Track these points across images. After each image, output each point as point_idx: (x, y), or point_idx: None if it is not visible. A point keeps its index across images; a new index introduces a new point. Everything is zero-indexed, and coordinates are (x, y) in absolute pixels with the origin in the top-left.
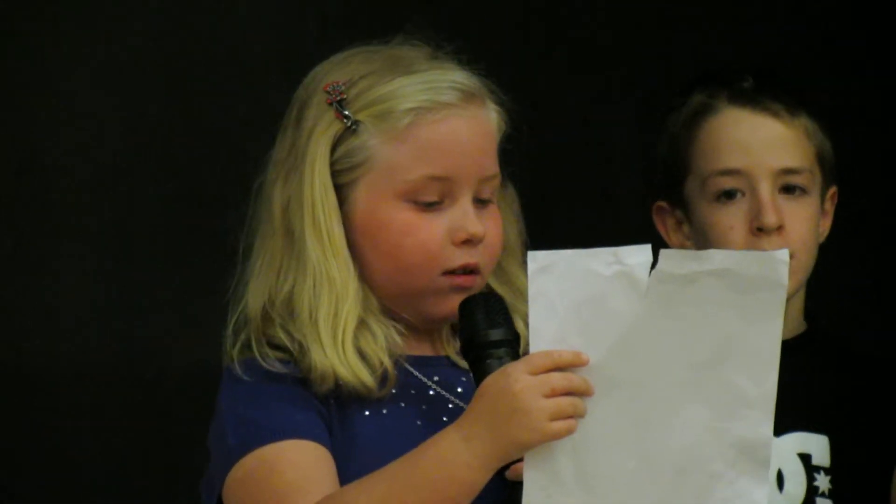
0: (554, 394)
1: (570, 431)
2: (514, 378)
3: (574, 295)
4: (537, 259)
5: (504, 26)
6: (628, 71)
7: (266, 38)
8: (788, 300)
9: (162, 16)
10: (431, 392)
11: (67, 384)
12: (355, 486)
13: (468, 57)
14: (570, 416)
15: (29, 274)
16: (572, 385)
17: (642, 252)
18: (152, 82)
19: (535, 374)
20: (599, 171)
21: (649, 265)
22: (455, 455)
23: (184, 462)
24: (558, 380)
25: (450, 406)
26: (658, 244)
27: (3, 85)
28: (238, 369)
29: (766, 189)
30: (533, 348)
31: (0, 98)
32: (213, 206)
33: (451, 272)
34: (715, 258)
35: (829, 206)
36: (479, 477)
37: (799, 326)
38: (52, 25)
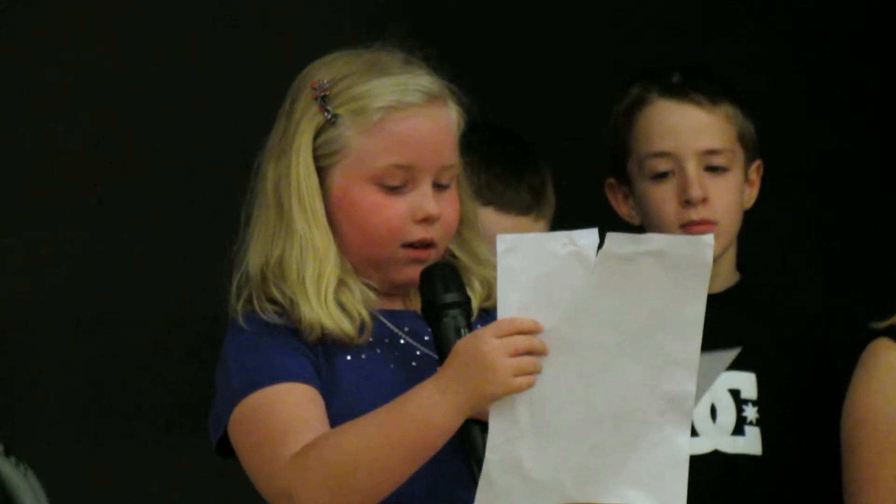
0: (517, 353)
1: (530, 385)
2: (483, 340)
3: (535, 271)
4: (505, 241)
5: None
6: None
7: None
8: (718, 258)
9: None
10: (402, 341)
11: (139, 325)
12: (347, 427)
13: (435, 63)
14: (530, 373)
15: (110, 229)
16: (532, 346)
17: (591, 235)
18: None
19: (500, 336)
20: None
21: (597, 245)
22: (433, 403)
23: None
24: (520, 341)
25: (418, 353)
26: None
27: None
28: (241, 320)
29: (691, 168)
30: (500, 315)
31: (76, 77)
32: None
33: (410, 245)
34: (651, 240)
35: (755, 177)
36: (452, 422)
37: (731, 278)
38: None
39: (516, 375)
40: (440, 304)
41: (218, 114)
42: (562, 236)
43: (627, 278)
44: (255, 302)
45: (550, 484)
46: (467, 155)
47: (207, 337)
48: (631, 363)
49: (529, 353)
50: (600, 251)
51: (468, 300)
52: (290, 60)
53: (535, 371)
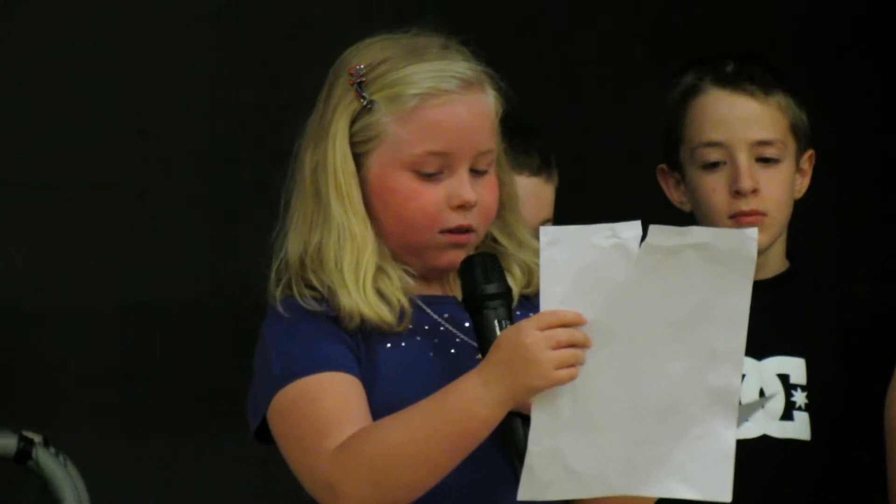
0: (559, 346)
1: (572, 378)
2: (525, 333)
3: (577, 263)
4: (548, 233)
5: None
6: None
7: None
8: (768, 248)
9: None
10: (441, 328)
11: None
12: (390, 420)
13: (474, 48)
14: (572, 365)
15: (151, 219)
16: (574, 339)
17: (634, 227)
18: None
19: (543, 329)
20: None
21: (640, 238)
22: (475, 396)
23: None
24: (563, 334)
25: (457, 340)
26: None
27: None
28: (280, 307)
29: (742, 158)
30: (543, 307)
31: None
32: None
33: (447, 231)
34: (695, 233)
35: (807, 167)
36: (495, 414)
37: (781, 266)
38: None
39: (558, 368)
40: (481, 296)
41: (259, 101)
42: (604, 228)
43: (671, 271)
44: (294, 288)
45: (595, 476)
46: None
47: (249, 328)
48: (675, 356)
49: (572, 345)
50: (643, 244)
51: (509, 291)
52: (329, 46)
53: (577, 363)
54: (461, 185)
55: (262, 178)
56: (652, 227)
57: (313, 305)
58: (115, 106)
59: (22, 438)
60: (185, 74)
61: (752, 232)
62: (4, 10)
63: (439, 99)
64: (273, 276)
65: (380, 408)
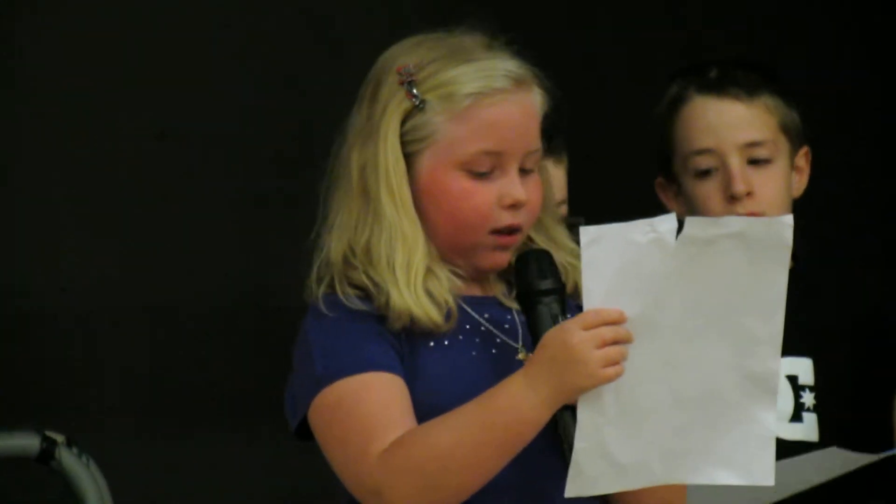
0: (604, 344)
1: (618, 375)
2: (570, 333)
3: (618, 261)
4: (588, 233)
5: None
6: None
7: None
8: None
9: None
10: (483, 328)
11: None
12: (437, 423)
13: (518, 46)
14: (618, 363)
15: (174, 220)
16: (618, 336)
17: (670, 220)
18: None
19: (587, 329)
20: None
21: (676, 231)
22: (523, 398)
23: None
24: (607, 332)
25: (497, 340)
26: None
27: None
28: (322, 305)
29: (734, 162)
30: (586, 307)
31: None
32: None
33: (497, 231)
34: (730, 223)
35: (804, 164)
36: (543, 416)
37: None
38: None
39: (605, 366)
40: (536, 291)
41: (284, 100)
42: (642, 224)
43: (708, 261)
44: (338, 286)
45: (638, 466)
46: None
47: (272, 329)
48: (714, 345)
49: (616, 342)
50: (680, 236)
51: (563, 287)
52: (359, 47)
53: (622, 360)
54: (513, 184)
55: (290, 182)
56: (688, 219)
57: (357, 304)
58: (139, 108)
59: (45, 439)
60: (209, 77)
61: (788, 219)
62: (28, 17)
63: (493, 98)
64: (314, 274)
65: (423, 407)
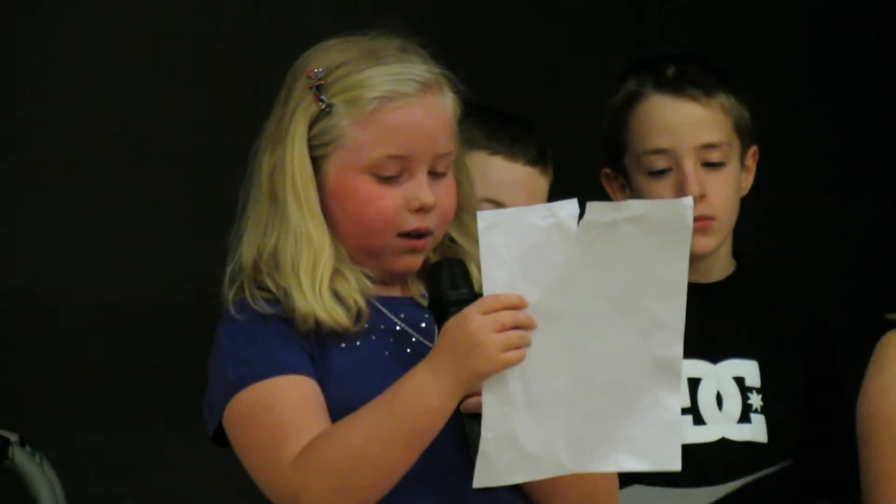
0: (504, 329)
1: (519, 360)
2: (468, 318)
3: (517, 245)
4: (485, 217)
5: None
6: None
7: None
8: (716, 250)
9: None
10: (398, 328)
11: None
12: (345, 422)
13: (433, 49)
14: (519, 347)
15: (127, 222)
16: (518, 320)
17: (571, 205)
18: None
19: (486, 313)
20: None
21: (577, 216)
22: (427, 386)
23: None
24: (506, 317)
25: (413, 340)
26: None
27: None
28: (233, 309)
29: (689, 164)
30: (485, 292)
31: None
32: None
33: (405, 235)
34: (631, 206)
35: (752, 163)
36: (448, 404)
37: (729, 268)
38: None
39: (505, 351)
40: (448, 301)
41: (223, 105)
42: (541, 209)
43: (609, 246)
44: (247, 291)
45: (546, 456)
46: (472, 117)
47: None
48: (618, 330)
49: (516, 327)
50: (581, 220)
51: (476, 296)
52: (289, 50)
53: (523, 345)
54: (419, 187)
55: (233, 180)
56: (589, 204)
57: (265, 307)
58: (90, 113)
59: None
60: (171, 78)
61: (688, 200)
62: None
63: (398, 102)
64: (227, 278)
65: (337, 409)
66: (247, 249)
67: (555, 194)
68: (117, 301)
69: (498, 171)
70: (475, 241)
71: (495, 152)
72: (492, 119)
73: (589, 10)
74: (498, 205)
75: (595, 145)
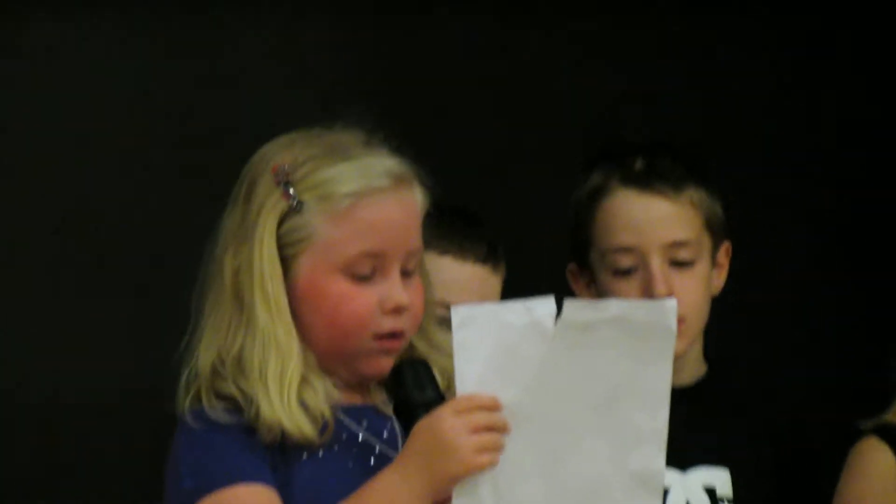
0: (477, 430)
1: (493, 463)
2: (441, 419)
3: (492, 343)
4: (459, 313)
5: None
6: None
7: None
8: (684, 353)
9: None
10: (360, 438)
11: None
12: None
13: (396, 143)
14: (492, 450)
15: (63, 310)
16: (493, 422)
17: (548, 303)
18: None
19: (460, 413)
20: None
21: (554, 315)
22: (396, 492)
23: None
24: (481, 418)
25: (376, 450)
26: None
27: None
28: (189, 418)
29: (656, 263)
30: (458, 391)
31: None
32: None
33: (379, 336)
34: (610, 307)
35: (724, 260)
36: None
37: (698, 371)
38: None
39: (478, 453)
40: (414, 404)
41: (189, 190)
42: (517, 306)
43: (588, 347)
44: (204, 399)
45: None
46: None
47: (163, 424)
48: (596, 438)
49: (490, 429)
50: (558, 320)
51: (442, 398)
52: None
53: (497, 448)
54: (394, 287)
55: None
56: (566, 302)
57: (224, 417)
58: (33, 199)
59: None
60: (113, 164)
61: (671, 302)
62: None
63: (372, 198)
64: (182, 384)
65: None
66: (205, 353)
67: (510, 292)
68: (48, 395)
69: (447, 271)
70: (434, 345)
71: (444, 252)
72: (440, 216)
73: (544, 92)
74: (448, 307)
75: (554, 238)
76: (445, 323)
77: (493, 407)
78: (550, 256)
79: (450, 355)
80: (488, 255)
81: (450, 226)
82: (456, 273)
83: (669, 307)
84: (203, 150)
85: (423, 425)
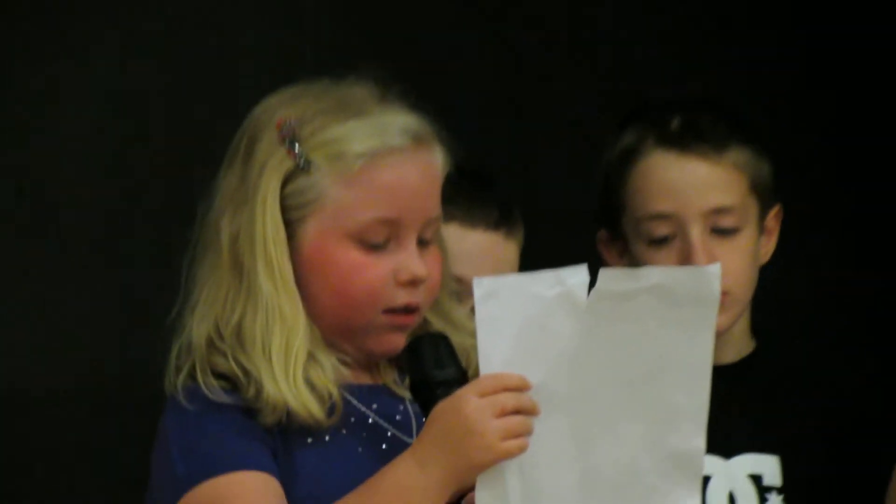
0: (504, 413)
1: (522, 449)
2: (464, 401)
3: (519, 318)
4: (483, 285)
5: None
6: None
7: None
8: (731, 327)
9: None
10: (370, 420)
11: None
12: None
13: (413, 99)
14: (521, 435)
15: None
16: (521, 404)
17: (581, 272)
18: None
19: (485, 395)
20: None
21: (588, 285)
22: (412, 481)
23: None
24: (508, 399)
25: (388, 434)
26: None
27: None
28: (182, 397)
29: (696, 232)
30: (482, 371)
31: None
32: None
33: (391, 311)
34: (650, 275)
35: (773, 225)
36: (435, 501)
37: (746, 347)
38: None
39: (505, 439)
40: (433, 382)
41: (151, 160)
42: (548, 276)
43: (624, 320)
44: (200, 376)
45: None
46: None
47: (142, 412)
48: (631, 419)
49: (518, 412)
50: (592, 290)
51: (464, 375)
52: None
53: (525, 433)
54: (410, 257)
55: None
56: (602, 271)
57: (222, 396)
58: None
59: None
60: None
61: (715, 268)
62: None
63: (388, 159)
64: (173, 361)
65: None
66: (199, 325)
67: (528, 263)
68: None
69: (454, 239)
70: (450, 321)
71: (450, 219)
72: (450, 182)
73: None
74: (458, 280)
75: (581, 199)
76: (456, 297)
77: (520, 387)
78: (576, 222)
79: (469, 332)
80: (501, 220)
81: (456, 192)
82: (463, 240)
83: (713, 273)
84: (177, 128)
85: (443, 407)
